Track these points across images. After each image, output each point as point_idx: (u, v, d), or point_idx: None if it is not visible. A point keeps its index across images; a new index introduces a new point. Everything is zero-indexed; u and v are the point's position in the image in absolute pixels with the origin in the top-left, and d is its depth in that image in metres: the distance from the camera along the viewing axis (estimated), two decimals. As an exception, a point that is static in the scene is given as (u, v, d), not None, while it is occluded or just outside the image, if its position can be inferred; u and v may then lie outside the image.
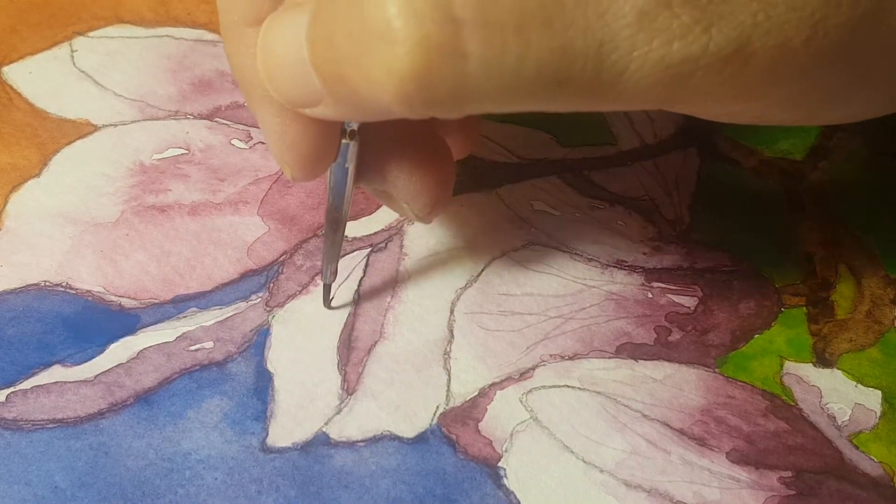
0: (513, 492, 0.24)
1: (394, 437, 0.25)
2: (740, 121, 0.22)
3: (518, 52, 0.18)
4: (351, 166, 0.25)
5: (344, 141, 0.24)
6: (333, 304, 0.28)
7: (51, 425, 0.25)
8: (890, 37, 0.20)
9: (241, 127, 0.32)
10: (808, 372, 0.27)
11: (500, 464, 0.25)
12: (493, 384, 0.26)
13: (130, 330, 0.27)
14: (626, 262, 0.30)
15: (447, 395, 0.26)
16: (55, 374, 0.26)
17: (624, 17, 0.18)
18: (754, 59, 0.19)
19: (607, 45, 0.18)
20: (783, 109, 0.21)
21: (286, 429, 0.25)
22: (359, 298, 0.28)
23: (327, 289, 0.27)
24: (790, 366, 0.28)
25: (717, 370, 0.27)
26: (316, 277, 0.28)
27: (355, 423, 0.25)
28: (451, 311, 0.28)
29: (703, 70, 0.19)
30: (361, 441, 0.25)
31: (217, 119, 0.32)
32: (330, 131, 0.24)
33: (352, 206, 0.30)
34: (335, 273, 0.27)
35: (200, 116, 0.32)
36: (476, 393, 0.26)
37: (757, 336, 0.28)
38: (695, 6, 0.18)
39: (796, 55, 0.19)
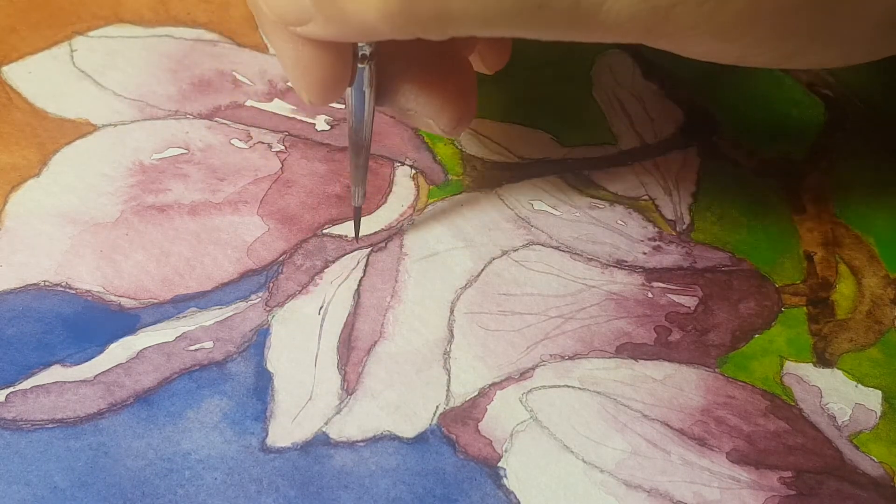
0: (513, 492, 0.24)
1: (394, 437, 0.25)
2: (721, 60, 0.22)
3: None
4: (368, 90, 0.25)
5: (359, 66, 0.24)
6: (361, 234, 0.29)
7: (50, 425, 0.25)
8: None
9: (241, 127, 0.32)
10: (809, 372, 0.27)
11: (500, 464, 0.25)
12: (493, 384, 0.26)
13: (130, 330, 0.27)
14: (626, 262, 0.30)
15: (447, 395, 0.26)
16: (55, 374, 0.26)
17: None
18: None
19: None
20: (763, 50, 0.21)
21: (286, 429, 0.25)
22: (359, 298, 0.28)
23: (357, 212, 0.28)
24: (790, 366, 0.27)
25: (717, 370, 0.27)
26: (316, 277, 0.28)
27: (355, 423, 0.25)
28: (451, 311, 0.28)
29: (683, 4, 0.19)
30: (361, 441, 0.25)
31: (217, 119, 0.32)
32: (343, 55, 0.24)
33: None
34: (363, 196, 0.28)
35: (200, 116, 0.32)
36: (476, 393, 0.26)
37: (757, 336, 0.28)
38: None
39: None
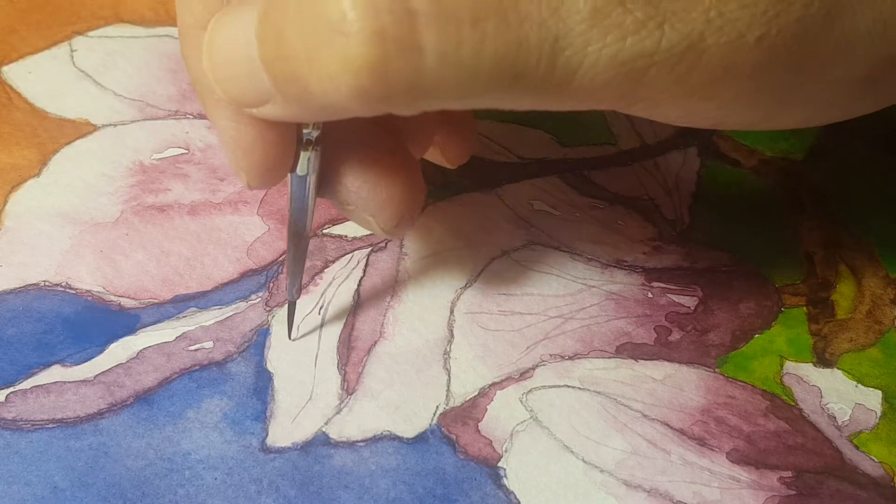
0: (513, 492, 0.24)
1: (394, 437, 0.25)
2: (697, 123, 0.22)
3: (473, 46, 0.18)
4: (312, 177, 0.24)
5: (303, 151, 0.23)
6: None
7: (50, 425, 0.25)
8: (844, 39, 0.20)
9: (241, 127, 0.32)
10: (809, 372, 0.27)
11: (500, 464, 0.25)
12: (493, 384, 0.26)
13: (130, 330, 0.27)
14: (626, 262, 0.30)
15: (447, 395, 0.26)
16: (55, 374, 0.26)
17: (578, 12, 0.18)
18: (707, 56, 0.19)
19: (562, 40, 0.18)
20: (738, 111, 0.21)
21: (286, 429, 0.25)
22: (359, 298, 0.28)
23: (292, 307, 0.26)
24: (790, 366, 0.28)
25: (717, 370, 0.27)
26: (316, 277, 0.28)
27: (355, 423, 0.25)
28: (451, 311, 0.28)
29: (656, 67, 0.19)
30: (361, 441, 0.25)
31: (217, 119, 0.32)
32: (286, 137, 0.23)
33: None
34: (300, 290, 0.26)
35: (200, 116, 0.32)
36: (476, 393, 0.26)
37: (757, 336, 0.28)
38: (648, 3, 0.18)
39: (749, 53, 0.19)
